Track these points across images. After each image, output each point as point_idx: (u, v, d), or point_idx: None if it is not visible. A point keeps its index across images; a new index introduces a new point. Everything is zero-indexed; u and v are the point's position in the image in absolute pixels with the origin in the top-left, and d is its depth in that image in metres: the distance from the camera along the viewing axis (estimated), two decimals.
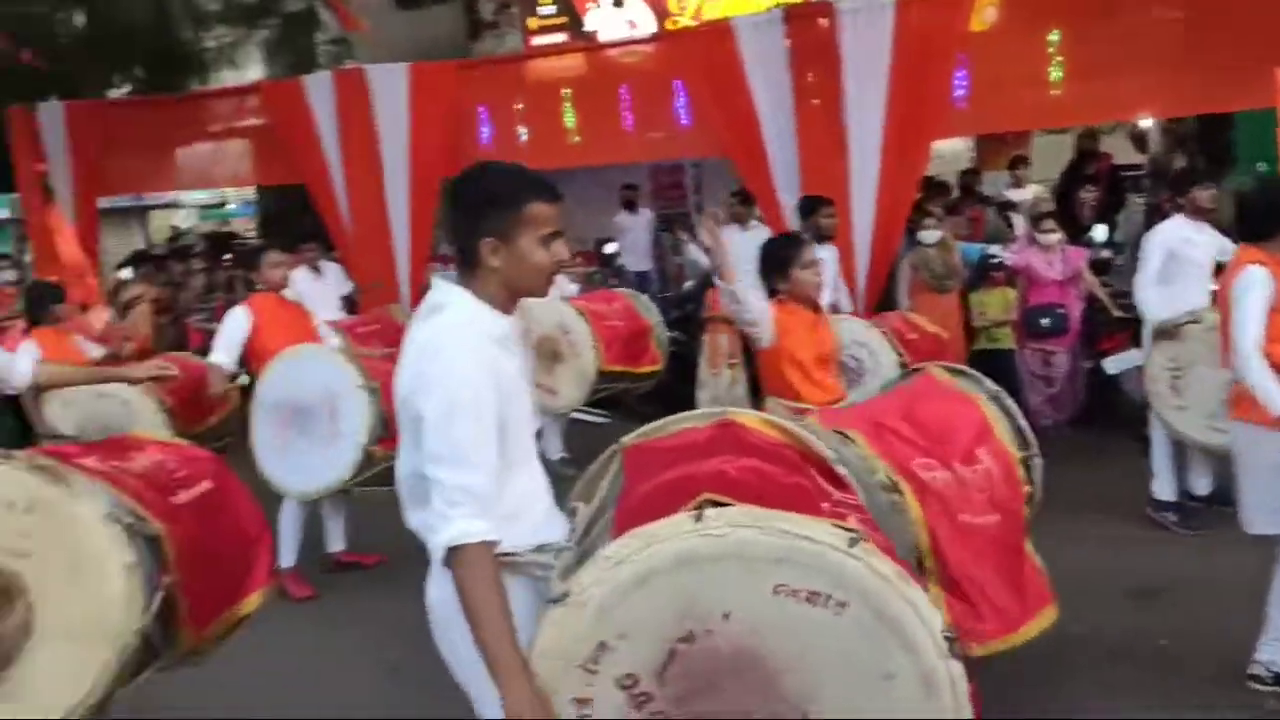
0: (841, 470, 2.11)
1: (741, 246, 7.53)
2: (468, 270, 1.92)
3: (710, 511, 1.68)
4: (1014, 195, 8.58)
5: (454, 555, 1.73)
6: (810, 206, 5.84)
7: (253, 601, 2.74)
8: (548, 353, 5.83)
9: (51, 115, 8.86)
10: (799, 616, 1.62)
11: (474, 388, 1.79)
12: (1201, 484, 5.04)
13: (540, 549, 1.90)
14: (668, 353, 6.43)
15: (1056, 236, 6.60)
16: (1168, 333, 4.75)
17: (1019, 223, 7.83)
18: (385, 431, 4.32)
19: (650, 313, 6.46)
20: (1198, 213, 4.98)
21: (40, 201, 9.11)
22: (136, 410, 4.96)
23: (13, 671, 2.22)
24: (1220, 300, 3.39)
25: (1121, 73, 6.51)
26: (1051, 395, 6.62)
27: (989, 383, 3.22)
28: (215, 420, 5.39)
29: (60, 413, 5.05)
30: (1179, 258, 4.91)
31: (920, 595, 1.64)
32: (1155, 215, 5.53)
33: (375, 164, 8.02)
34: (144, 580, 2.28)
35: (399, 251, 8.06)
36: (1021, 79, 6.70)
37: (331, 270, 7.54)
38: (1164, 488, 5.02)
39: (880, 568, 1.62)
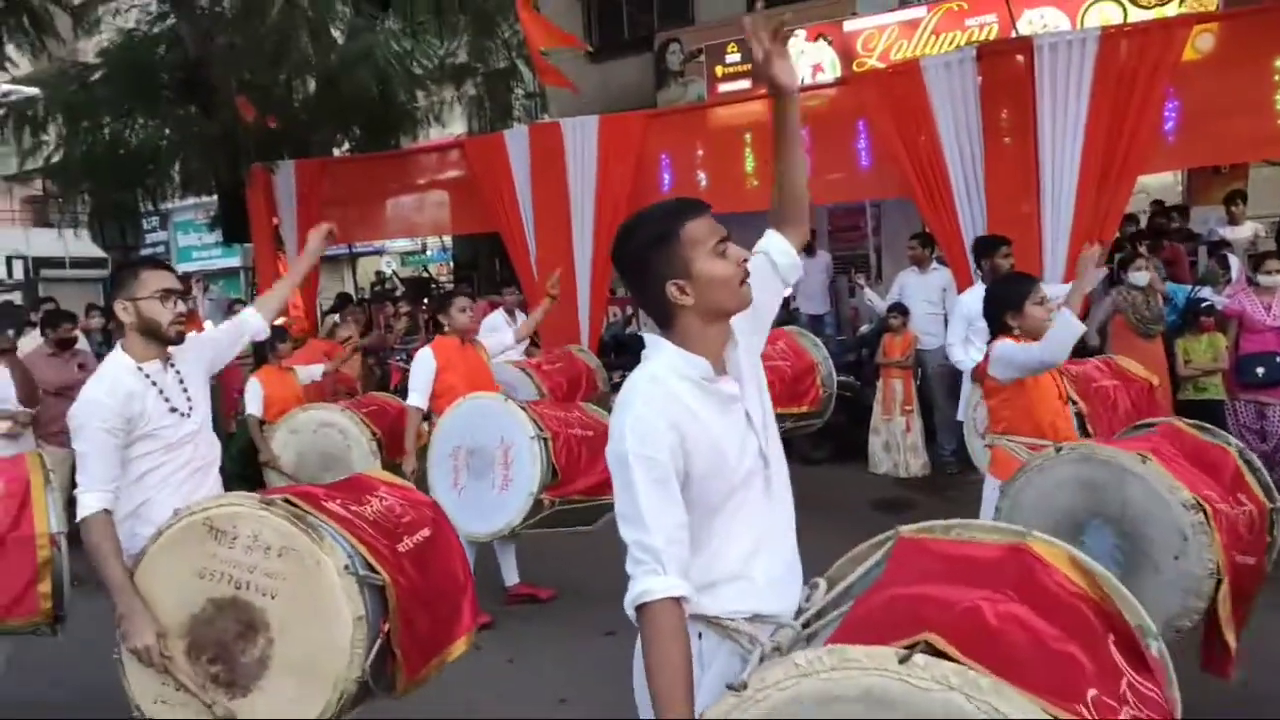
0: (1151, 647, 1.70)
1: (920, 288, 7.43)
2: (665, 325, 1.87)
3: (919, 658, 1.44)
4: (1229, 233, 7.92)
5: (639, 614, 1.69)
6: (986, 246, 5.64)
7: (460, 646, 2.86)
8: None
9: (284, 173, 9.95)
10: None
11: (650, 442, 1.72)
12: None
13: (756, 618, 1.81)
14: (833, 391, 6.24)
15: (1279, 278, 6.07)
16: None
17: (1235, 262, 7.22)
18: (554, 479, 4.53)
19: (816, 349, 6.24)
20: None
21: (271, 251, 10.18)
22: (353, 439, 5.45)
23: (249, 700, 2.47)
24: None
25: None
26: (1267, 451, 6.02)
27: (1232, 438, 3.23)
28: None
29: (286, 439, 5.62)
30: None
31: None
32: None
33: (564, 211, 8.47)
34: (368, 629, 2.45)
35: (581, 294, 8.43)
36: (1239, 108, 6.30)
37: (522, 319, 7.93)
38: None
39: None
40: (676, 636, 1.67)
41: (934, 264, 7.43)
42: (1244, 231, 7.99)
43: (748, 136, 8.01)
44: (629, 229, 1.88)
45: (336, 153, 11.94)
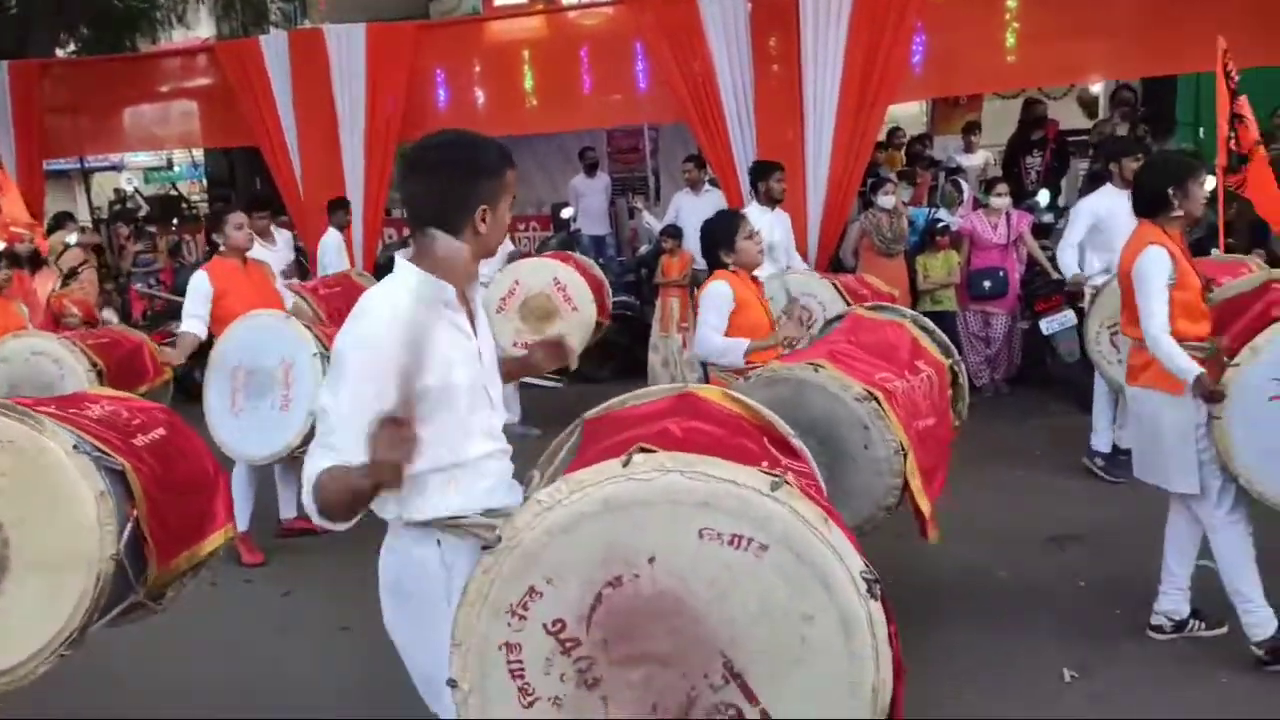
0: (796, 443, 2.14)
1: (695, 210, 7.65)
2: (449, 233, 1.89)
3: (638, 457, 1.68)
4: (964, 161, 8.71)
5: (315, 488, 1.78)
6: (761, 171, 5.95)
7: (215, 540, 2.77)
8: (538, 311, 5.76)
9: None
10: (722, 560, 1.64)
11: (374, 348, 1.78)
12: (1129, 437, 5.24)
13: (490, 513, 1.93)
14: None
15: (1007, 201, 6.76)
16: (1095, 292, 4.98)
17: (967, 187, 7.96)
18: None
19: (595, 268, 6.57)
20: (1127, 182, 5.08)
21: None
22: (68, 369, 4.91)
23: None
24: (1121, 275, 3.43)
25: (1072, 37, 6.71)
26: (989, 355, 6.83)
27: (907, 310, 3.69)
28: (145, 389, 5.25)
29: None
30: (1104, 227, 5.03)
31: (842, 538, 1.65)
32: (1099, 181, 5.69)
33: (331, 126, 7.99)
34: (114, 509, 2.31)
35: (354, 216, 8.02)
36: (976, 43, 6.91)
37: (282, 237, 7.44)
38: (1100, 439, 5.22)
39: (803, 511, 1.63)
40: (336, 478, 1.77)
41: (707, 186, 7.67)
42: (977, 159, 8.81)
43: (526, 54, 7.86)
44: (467, 142, 1.95)
45: (60, 54, 10.57)
